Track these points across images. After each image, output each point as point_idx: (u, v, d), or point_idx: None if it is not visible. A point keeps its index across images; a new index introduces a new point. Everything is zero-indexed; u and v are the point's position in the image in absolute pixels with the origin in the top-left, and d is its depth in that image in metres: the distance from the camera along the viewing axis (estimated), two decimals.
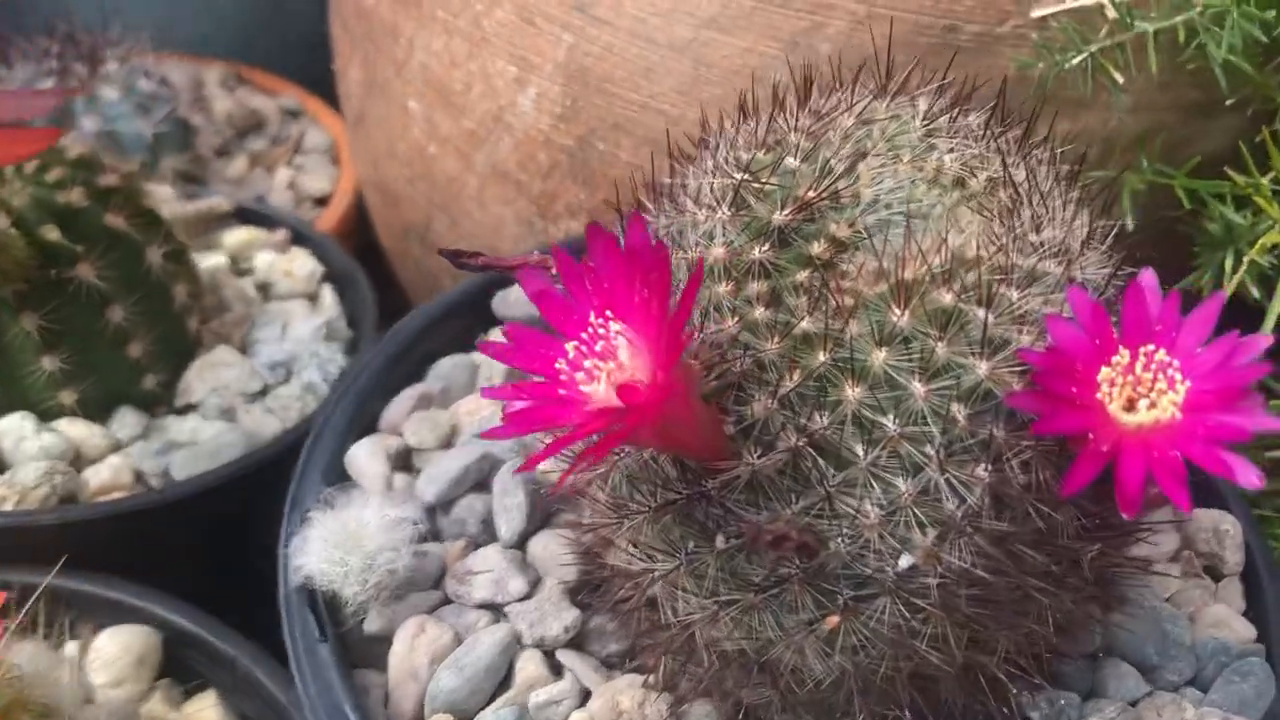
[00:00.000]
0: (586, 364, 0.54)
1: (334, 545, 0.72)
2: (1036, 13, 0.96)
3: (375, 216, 1.45)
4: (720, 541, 0.60)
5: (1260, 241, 0.95)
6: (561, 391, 0.54)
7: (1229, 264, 0.98)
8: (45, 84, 1.41)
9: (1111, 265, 0.63)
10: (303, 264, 1.20)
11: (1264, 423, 0.54)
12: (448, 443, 0.86)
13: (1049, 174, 0.66)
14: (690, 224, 0.64)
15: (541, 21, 1.06)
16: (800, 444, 0.58)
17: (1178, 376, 0.54)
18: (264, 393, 1.06)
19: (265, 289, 1.19)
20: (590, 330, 0.54)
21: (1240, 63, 0.89)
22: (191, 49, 1.73)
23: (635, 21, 1.02)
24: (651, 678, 0.70)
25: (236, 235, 1.23)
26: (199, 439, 0.99)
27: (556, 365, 0.54)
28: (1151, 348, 0.55)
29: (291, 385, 1.06)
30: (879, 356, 0.57)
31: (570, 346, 0.55)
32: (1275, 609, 0.79)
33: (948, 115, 0.67)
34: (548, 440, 0.54)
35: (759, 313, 0.60)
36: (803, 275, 0.60)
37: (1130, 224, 0.96)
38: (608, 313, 0.54)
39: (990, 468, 0.57)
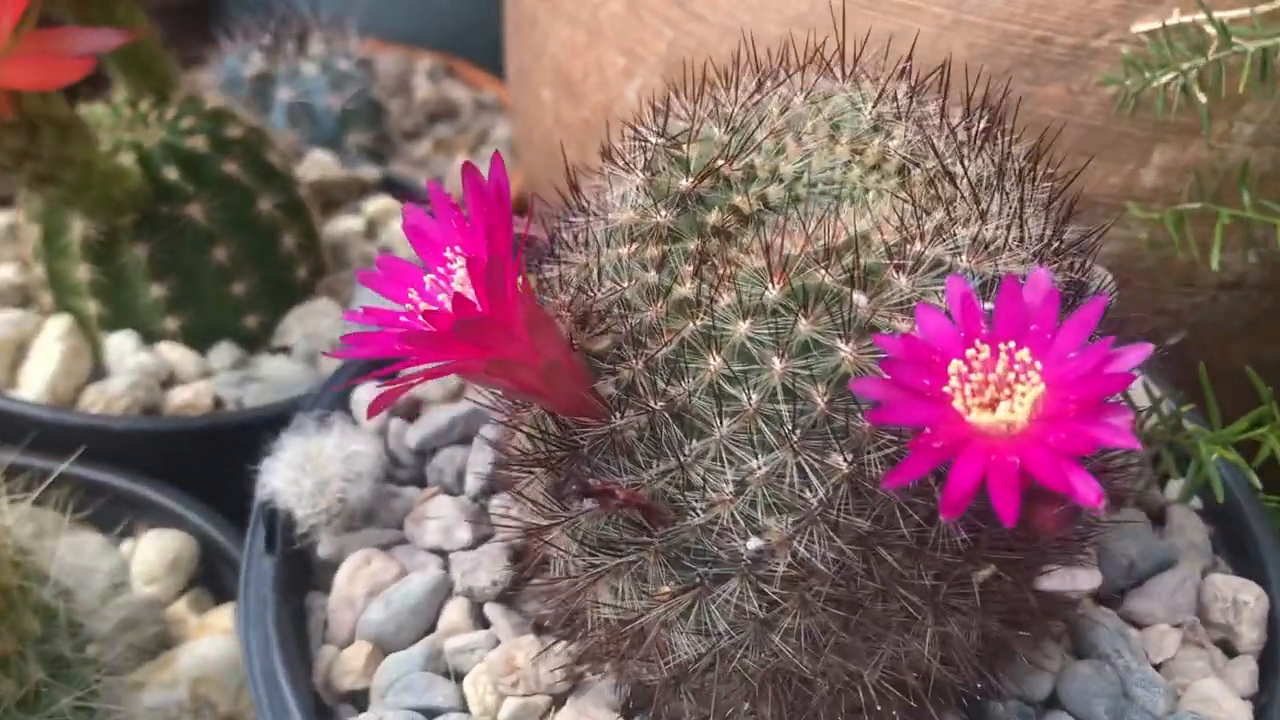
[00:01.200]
0: (440, 297, 0.56)
1: (294, 467, 0.76)
2: (1138, 27, 0.89)
3: (534, 204, 1.50)
4: (586, 501, 0.60)
5: None
6: (403, 319, 0.55)
7: None
8: (255, 57, 1.55)
9: (1035, 265, 0.58)
10: None
11: (1119, 439, 0.48)
12: (456, 398, 0.88)
13: (1005, 171, 0.61)
14: (613, 184, 0.64)
15: (647, 14, 1.08)
16: (658, 407, 0.57)
17: (1036, 378, 0.50)
18: None
19: (388, 253, 1.25)
20: (445, 265, 0.56)
21: None
22: (410, 40, 1.86)
23: (727, 17, 1.02)
24: (553, 640, 0.70)
25: (377, 203, 1.30)
26: (279, 376, 1.06)
27: (409, 294, 0.56)
28: (1016, 345, 0.51)
29: None
30: (741, 328, 0.55)
31: (428, 279, 0.56)
32: None
33: (911, 100, 0.63)
34: None
35: (649, 276, 0.59)
36: (694, 244, 0.59)
37: (1216, 265, 0.87)
38: (458, 247, 0.55)
39: (849, 458, 0.54)
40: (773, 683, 0.61)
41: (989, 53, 0.93)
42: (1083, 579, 0.63)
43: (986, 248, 0.57)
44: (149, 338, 1.08)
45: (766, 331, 0.55)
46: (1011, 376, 0.50)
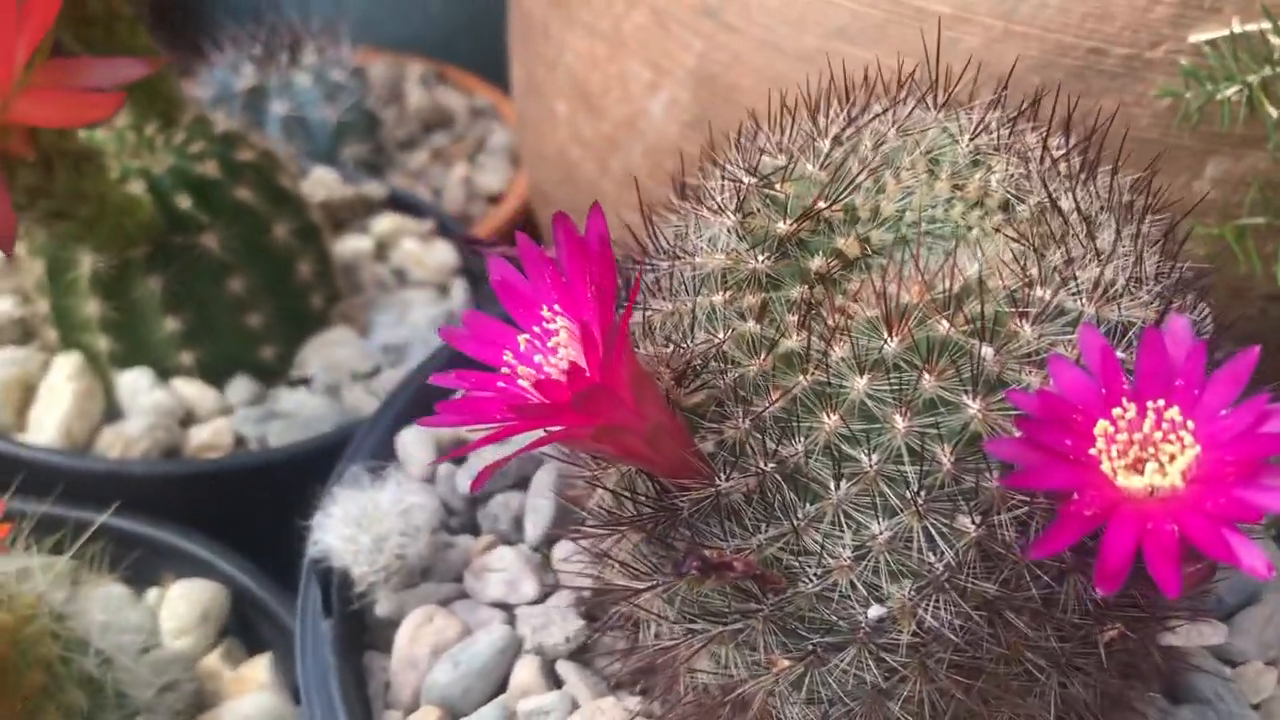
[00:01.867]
0: (537, 358, 0.52)
1: (349, 523, 0.72)
2: (1195, 37, 0.86)
3: (539, 218, 1.46)
4: (686, 565, 0.56)
5: None
6: (501, 384, 0.52)
7: None
8: (246, 69, 1.50)
9: (1163, 310, 0.55)
10: (437, 255, 1.22)
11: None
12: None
13: (1111, 204, 0.58)
14: (699, 226, 0.60)
15: (674, 26, 1.04)
16: (768, 469, 0.54)
17: (1189, 440, 0.47)
18: (374, 374, 1.09)
19: (401, 275, 1.22)
20: (543, 324, 0.52)
21: None
22: (400, 46, 1.81)
23: (763, 29, 0.99)
24: (638, 702, 0.67)
25: (386, 222, 1.26)
26: (301, 411, 1.02)
27: (504, 356, 0.52)
28: (1164, 404, 0.48)
29: (399, 370, 1.08)
30: (859, 384, 0.52)
31: (522, 339, 0.53)
32: None
33: (1007, 130, 0.61)
34: None
35: (748, 326, 0.56)
36: (798, 291, 0.56)
37: None
38: (557, 306, 0.52)
39: (978, 520, 0.51)
40: None
41: (1041, 64, 0.90)
42: (1208, 634, 0.61)
43: (1107, 291, 0.54)
44: (163, 373, 1.03)
45: (887, 388, 0.52)
46: (1159, 436, 0.48)
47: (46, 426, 0.97)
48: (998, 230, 0.57)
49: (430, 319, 1.12)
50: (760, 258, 0.57)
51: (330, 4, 1.78)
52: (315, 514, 0.75)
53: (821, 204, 0.57)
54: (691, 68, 1.05)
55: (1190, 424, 0.47)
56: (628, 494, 0.58)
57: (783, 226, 0.57)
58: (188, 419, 1.02)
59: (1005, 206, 0.58)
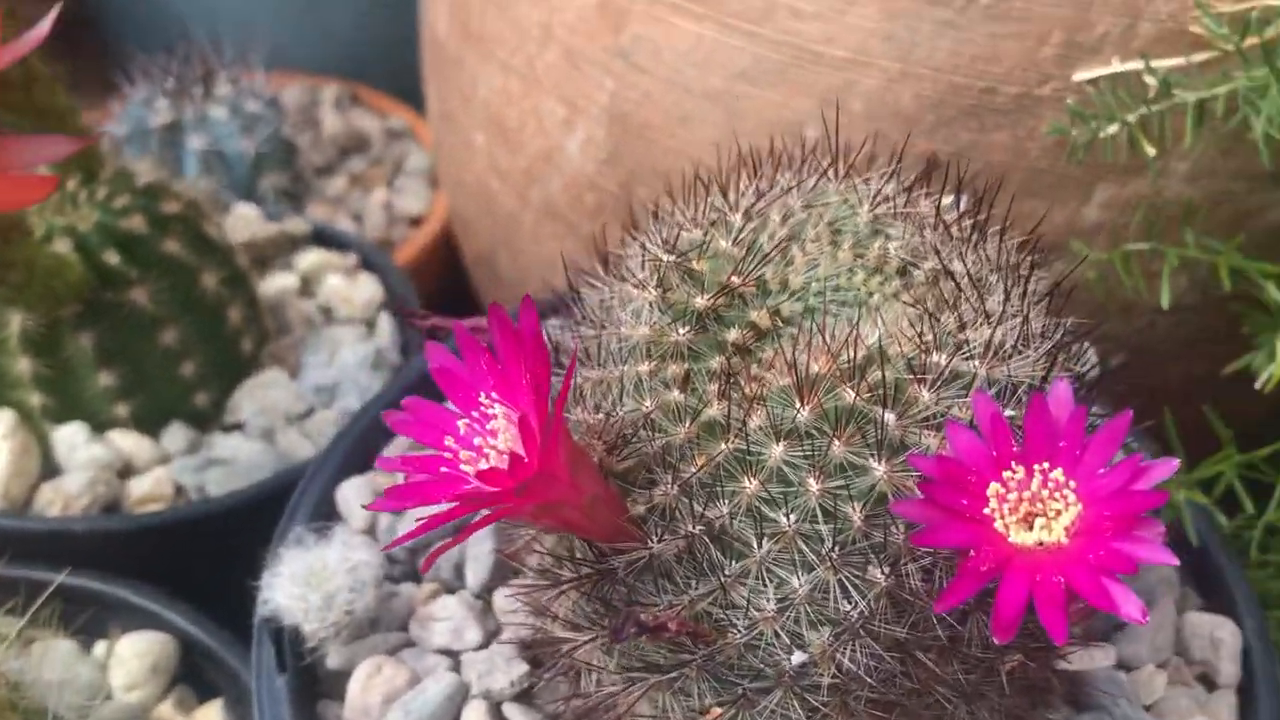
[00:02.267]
0: (476, 441, 0.56)
1: (298, 582, 0.75)
2: (1079, 76, 0.92)
3: (459, 242, 1.49)
4: (611, 630, 0.60)
5: None
6: (443, 469, 0.55)
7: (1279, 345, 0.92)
8: (160, 104, 1.50)
9: (1049, 366, 0.60)
10: (362, 291, 1.24)
11: (1158, 556, 0.51)
12: None
13: (1000, 266, 0.64)
14: (622, 299, 0.64)
15: (586, 66, 1.08)
16: (697, 531, 0.58)
17: (1072, 498, 0.52)
18: (307, 415, 1.11)
19: (327, 312, 1.24)
20: (480, 409, 0.56)
21: (1278, 135, 0.84)
22: (312, 68, 1.82)
23: (671, 70, 1.03)
24: None
25: (310, 258, 1.28)
26: (237, 458, 1.04)
27: (445, 440, 0.56)
28: (1049, 465, 0.53)
29: (331, 410, 1.10)
30: (776, 451, 0.57)
31: (462, 424, 0.56)
32: None
33: (903, 198, 0.65)
34: None
35: (673, 396, 0.60)
36: (717, 362, 0.60)
37: (1166, 303, 0.91)
38: (494, 394, 0.55)
39: (887, 571, 0.56)
40: None
41: (935, 103, 0.95)
42: (1099, 657, 0.67)
43: (998, 352, 0.59)
44: (99, 426, 1.04)
45: (801, 454, 0.57)
46: (1046, 494, 0.53)
47: None
48: (896, 296, 0.61)
49: (359, 357, 1.14)
50: (681, 330, 0.61)
51: (239, 28, 1.78)
52: (263, 573, 0.77)
53: (735, 279, 0.61)
54: (605, 105, 1.09)
55: (1072, 483, 0.53)
56: (566, 556, 0.62)
57: (700, 301, 0.61)
58: (126, 470, 1.03)
59: (902, 272, 0.63)
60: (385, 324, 1.22)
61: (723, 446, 0.58)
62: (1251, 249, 0.94)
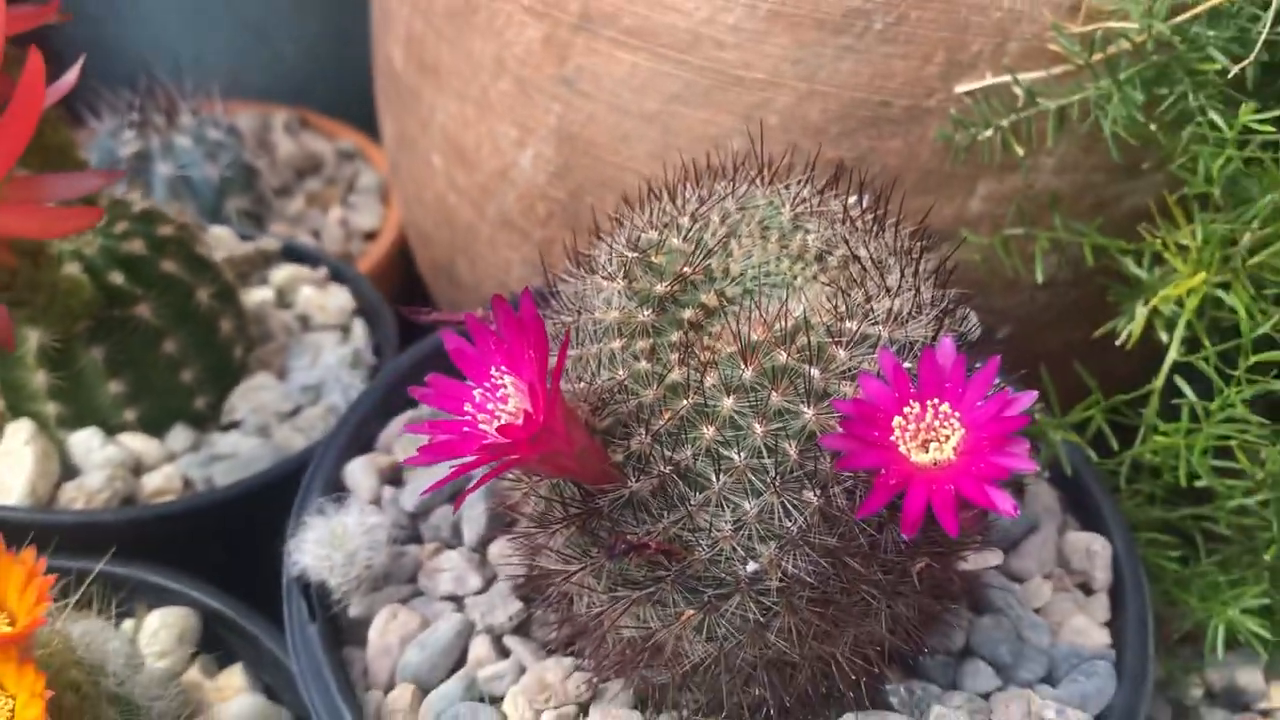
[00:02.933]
0: (490, 406, 0.70)
1: (323, 544, 0.88)
2: (960, 89, 1.08)
3: (414, 253, 1.62)
4: (603, 552, 0.75)
5: (1163, 293, 1.06)
6: (465, 429, 0.69)
7: (1139, 311, 1.09)
8: (128, 135, 1.61)
9: (938, 328, 0.76)
10: (335, 300, 1.37)
11: (1023, 465, 0.67)
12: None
13: (896, 250, 0.79)
14: (594, 290, 0.79)
15: (535, 93, 1.22)
16: (667, 471, 0.72)
17: (957, 425, 0.68)
18: (296, 412, 1.24)
19: (305, 320, 1.36)
20: (491, 381, 0.70)
21: (1125, 136, 1.00)
22: (261, 95, 1.93)
23: (612, 95, 1.17)
24: (572, 661, 0.85)
25: (283, 272, 1.40)
26: (238, 452, 1.16)
27: (464, 407, 0.70)
28: (938, 401, 0.68)
29: (318, 407, 1.23)
30: (727, 403, 0.72)
31: (477, 393, 0.70)
32: (1132, 621, 0.91)
33: (817, 199, 0.80)
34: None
35: (642, 365, 0.75)
36: (676, 335, 0.75)
37: (1040, 278, 1.08)
38: (503, 367, 0.69)
39: (818, 493, 0.71)
40: (765, 669, 0.78)
41: (840, 116, 1.11)
42: (989, 558, 0.83)
43: (897, 318, 0.75)
44: (110, 430, 1.16)
45: (747, 404, 0.71)
46: (938, 424, 0.68)
47: (13, 487, 1.09)
48: (815, 278, 0.77)
49: (339, 358, 1.27)
50: (645, 312, 0.75)
51: (191, 60, 1.89)
52: (290, 540, 0.90)
53: (687, 269, 0.76)
54: (553, 127, 1.23)
55: (957, 414, 0.68)
56: (558, 499, 0.76)
57: (660, 288, 0.75)
58: (138, 468, 1.15)
59: (819, 258, 0.78)
60: (358, 328, 1.35)
61: (684, 402, 0.73)
62: (1111, 230, 1.12)
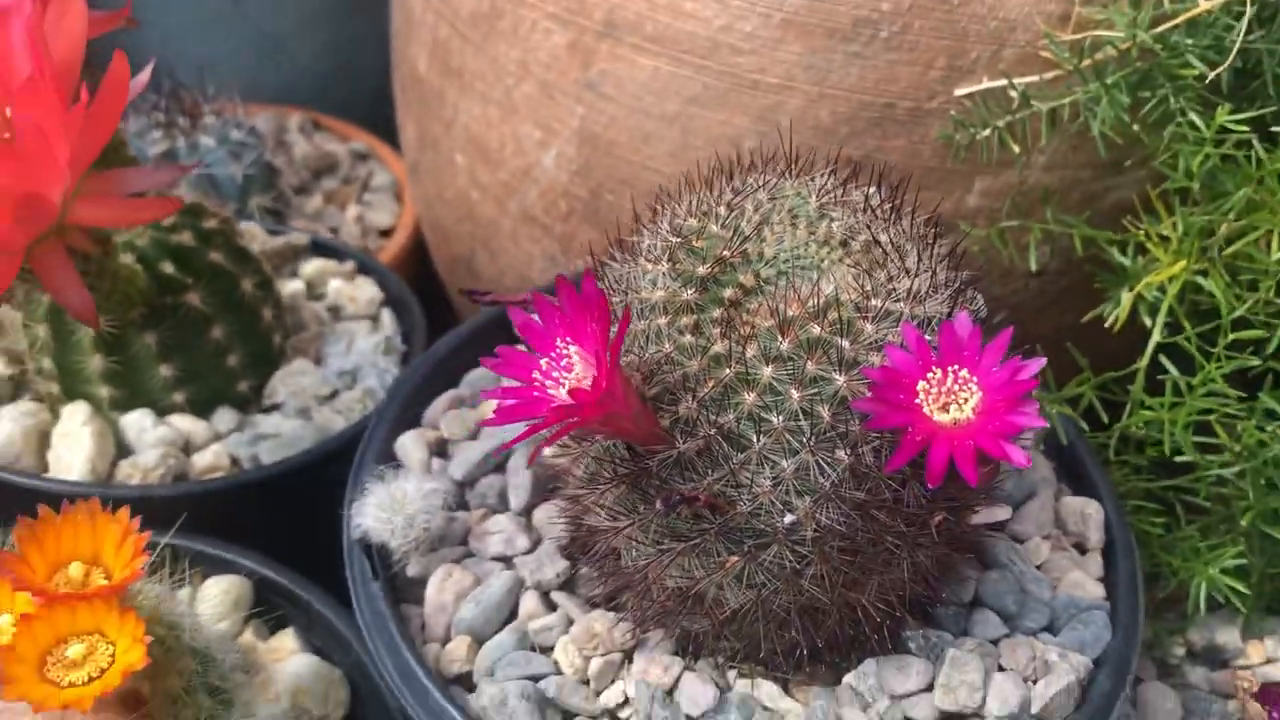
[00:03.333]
0: (555, 374, 0.77)
1: (383, 508, 0.95)
2: (959, 92, 1.17)
3: (431, 248, 1.69)
4: (659, 504, 0.83)
5: (1146, 280, 1.15)
6: (535, 393, 0.77)
7: (1124, 297, 1.18)
8: (155, 135, 1.67)
9: (952, 305, 0.84)
10: (365, 291, 1.44)
11: (1035, 422, 0.75)
12: (474, 435, 1.09)
13: (913, 236, 0.87)
14: (641, 272, 0.86)
15: (559, 95, 1.30)
16: (712, 433, 0.80)
17: (975, 388, 0.76)
18: (333, 396, 1.31)
19: (335, 311, 1.43)
20: (556, 351, 0.77)
21: (1112, 135, 1.09)
22: (274, 98, 2.00)
23: (633, 98, 1.25)
24: (614, 615, 0.93)
25: (312, 265, 1.48)
26: (281, 432, 1.23)
27: (532, 375, 0.78)
28: (958, 367, 0.77)
29: (355, 390, 1.30)
30: (767, 371, 0.80)
31: (544, 362, 0.78)
32: (1123, 577, 1.00)
33: (840, 190, 0.89)
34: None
35: (686, 339, 0.83)
36: (718, 312, 0.83)
37: (1034, 265, 1.17)
38: (568, 339, 0.77)
39: (849, 452, 0.79)
40: (799, 614, 0.86)
41: (848, 117, 1.19)
42: (998, 513, 0.91)
43: (916, 296, 0.83)
44: (160, 412, 1.23)
45: (785, 372, 0.79)
46: (957, 388, 0.77)
47: (74, 465, 1.16)
48: (840, 261, 0.85)
49: (372, 345, 1.35)
50: (689, 291, 0.83)
51: (208, 60, 1.95)
52: (350, 505, 0.98)
53: (726, 253, 0.84)
54: (576, 128, 1.31)
55: (975, 379, 0.76)
56: (610, 460, 0.84)
57: (702, 269, 0.83)
58: (187, 447, 1.22)
59: (844, 243, 0.86)
60: (387, 318, 1.43)
61: (727, 371, 0.81)
62: (1097, 223, 1.21)
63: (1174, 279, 1.13)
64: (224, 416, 1.25)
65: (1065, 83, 1.14)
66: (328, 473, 1.20)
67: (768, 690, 0.90)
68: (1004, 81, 1.14)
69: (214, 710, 0.91)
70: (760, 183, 0.89)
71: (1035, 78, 1.15)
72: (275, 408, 1.29)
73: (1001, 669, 0.91)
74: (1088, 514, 1.04)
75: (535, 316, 0.79)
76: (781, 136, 0.93)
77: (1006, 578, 0.97)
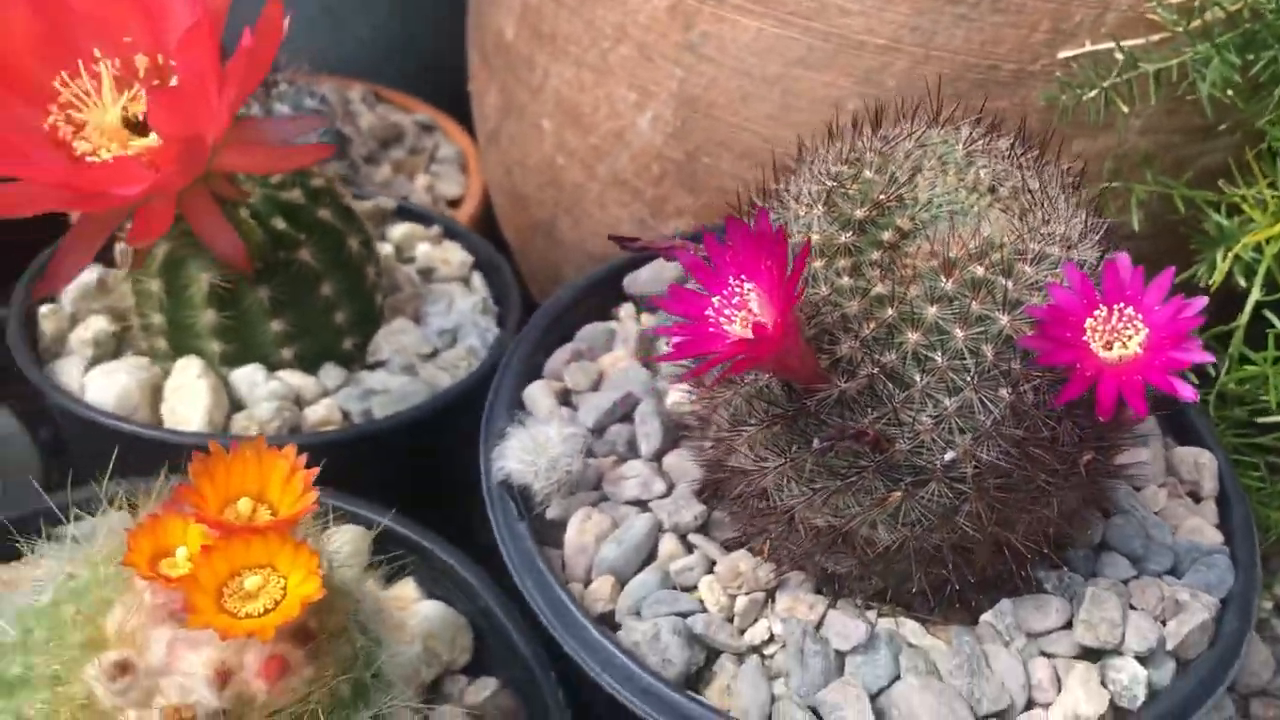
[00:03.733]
0: (726, 312, 0.79)
1: (526, 451, 0.97)
2: (1062, 54, 1.19)
3: (503, 217, 1.71)
4: (816, 443, 0.85)
5: (1243, 241, 1.18)
6: (711, 329, 0.79)
7: (1219, 258, 1.21)
8: None
9: (1101, 250, 0.86)
10: (456, 254, 1.46)
11: (1199, 357, 0.77)
12: (596, 386, 1.11)
13: (1058, 184, 0.89)
14: (793, 217, 0.88)
15: (658, 58, 1.31)
16: (875, 372, 0.82)
17: (1140, 325, 0.78)
18: (434, 355, 1.32)
19: (426, 273, 1.45)
20: (729, 289, 0.79)
21: (1221, 95, 1.12)
22: (336, 71, 2.01)
23: (736, 60, 1.27)
24: (761, 550, 0.95)
25: (400, 229, 1.49)
26: (390, 388, 1.25)
27: (707, 312, 0.80)
28: (1123, 305, 0.79)
29: (457, 349, 1.32)
30: (931, 311, 0.82)
31: (716, 300, 0.80)
32: (1239, 523, 1.03)
33: (984, 140, 0.91)
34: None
35: (844, 281, 0.85)
36: (876, 254, 0.85)
37: (1136, 225, 1.19)
38: (742, 277, 0.79)
39: (1010, 390, 0.82)
40: (950, 551, 0.88)
41: (953, 78, 1.22)
42: (1141, 454, 0.93)
43: (1068, 240, 0.85)
44: (271, 367, 1.24)
45: (949, 312, 0.82)
46: (1121, 326, 0.79)
47: (191, 418, 1.18)
48: (990, 206, 0.87)
49: (470, 305, 1.37)
50: (846, 234, 0.85)
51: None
52: (492, 449, 1.00)
53: (883, 197, 0.86)
54: (674, 90, 1.32)
55: (1140, 316, 0.79)
56: (766, 401, 0.86)
57: (859, 213, 0.86)
58: (298, 402, 1.24)
59: (992, 190, 0.88)
60: (478, 280, 1.44)
61: (889, 311, 0.83)
62: (1189, 186, 1.23)
63: (1272, 240, 1.16)
64: (330, 372, 1.27)
65: (1171, 44, 1.16)
66: (441, 426, 1.22)
67: (910, 628, 0.92)
68: (1108, 44, 1.16)
69: (369, 647, 0.92)
70: (907, 131, 0.91)
71: (1141, 40, 1.17)
72: (379, 365, 1.30)
73: (1133, 608, 0.94)
74: (1201, 463, 1.06)
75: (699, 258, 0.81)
76: (928, 89, 0.95)
77: (1131, 522, 0.99)
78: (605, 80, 1.38)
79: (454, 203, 1.81)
